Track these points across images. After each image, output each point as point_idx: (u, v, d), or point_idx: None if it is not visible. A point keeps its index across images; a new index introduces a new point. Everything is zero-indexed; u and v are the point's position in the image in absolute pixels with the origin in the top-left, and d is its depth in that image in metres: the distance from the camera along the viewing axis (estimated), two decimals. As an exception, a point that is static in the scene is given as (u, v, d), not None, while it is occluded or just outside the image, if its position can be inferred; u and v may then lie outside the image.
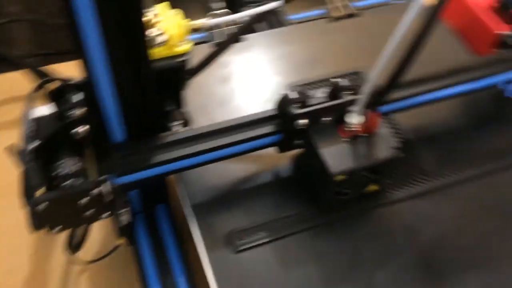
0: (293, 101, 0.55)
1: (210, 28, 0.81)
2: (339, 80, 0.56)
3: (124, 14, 0.41)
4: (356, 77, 0.58)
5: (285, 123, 0.56)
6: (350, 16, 0.85)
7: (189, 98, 0.57)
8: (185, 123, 0.56)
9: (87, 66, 0.44)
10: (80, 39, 0.41)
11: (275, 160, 0.64)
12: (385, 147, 0.55)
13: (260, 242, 0.56)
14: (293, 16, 0.90)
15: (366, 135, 0.56)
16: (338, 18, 0.82)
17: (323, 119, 0.56)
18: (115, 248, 0.65)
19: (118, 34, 0.42)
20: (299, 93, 0.55)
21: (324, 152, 0.54)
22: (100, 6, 0.39)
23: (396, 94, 0.59)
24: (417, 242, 0.57)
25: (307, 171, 0.61)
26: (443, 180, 0.63)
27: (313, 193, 0.60)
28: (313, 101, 0.56)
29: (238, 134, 0.56)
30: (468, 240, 0.58)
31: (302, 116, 0.54)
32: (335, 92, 0.57)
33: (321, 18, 0.86)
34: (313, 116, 0.55)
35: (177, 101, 0.56)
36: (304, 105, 0.55)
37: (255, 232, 0.57)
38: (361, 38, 0.80)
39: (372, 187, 0.59)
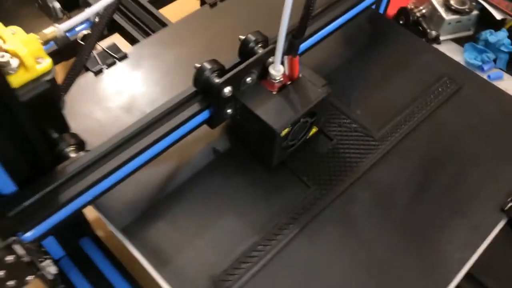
0: (211, 70, 0.50)
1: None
2: (248, 36, 0.53)
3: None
4: (259, 33, 0.55)
5: (210, 97, 0.52)
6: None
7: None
8: (81, 145, 0.48)
9: None
10: None
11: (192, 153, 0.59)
12: (315, 88, 0.54)
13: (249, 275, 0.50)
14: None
15: (291, 83, 0.54)
16: (214, 4, 0.73)
17: (247, 80, 0.53)
18: None
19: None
20: (213, 62, 0.51)
21: (261, 113, 0.52)
22: None
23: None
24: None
25: (245, 140, 0.58)
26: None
27: (260, 157, 0.57)
28: (229, 66, 0.52)
29: (164, 126, 0.51)
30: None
31: (226, 83, 0.51)
32: (247, 50, 0.54)
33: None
34: (236, 80, 0.52)
35: (60, 125, 0.46)
36: (223, 73, 0.51)
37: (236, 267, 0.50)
38: (249, 15, 0.73)
39: (312, 131, 0.58)
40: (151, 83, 0.64)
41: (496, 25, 0.94)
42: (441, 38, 0.95)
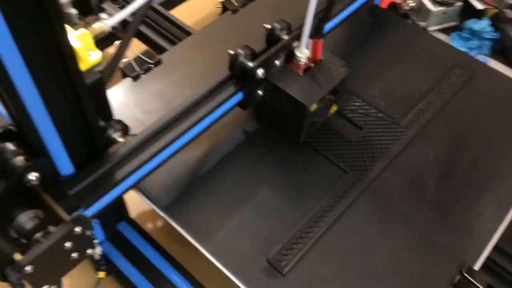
0: (245, 55, 0.55)
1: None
2: (274, 24, 0.58)
3: (51, 38, 0.36)
4: (283, 20, 0.60)
5: (244, 80, 0.56)
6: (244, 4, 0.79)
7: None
8: (126, 131, 0.52)
9: (19, 108, 0.38)
10: (6, 80, 0.36)
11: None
12: (337, 68, 0.60)
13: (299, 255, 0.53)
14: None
15: (315, 65, 0.60)
16: (235, 10, 0.77)
17: (276, 63, 0.58)
18: (99, 281, 0.60)
19: (48, 59, 0.38)
20: (246, 48, 0.56)
21: (292, 91, 0.57)
22: (18, 39, 0.34)
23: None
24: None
25: (273, 120, 0.63)
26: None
27: (288, 135, 0.62)
28: (259, 51, 0.57)
29: (203, 108, 0.55)
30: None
31: (258, 66, 0.56)
32: (273, 36, 0.59)
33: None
34: (267, 63, 0.57)
35: (106, 113, 0.50)
36: (254, 58, 0.56)
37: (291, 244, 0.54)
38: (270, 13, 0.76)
39: (333, 109, 0.63)
40: (186, 85, 0.68)
41: (478, 15, 1.02)
42: (429, 29, 1.03)
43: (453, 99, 0.70)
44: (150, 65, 0.68)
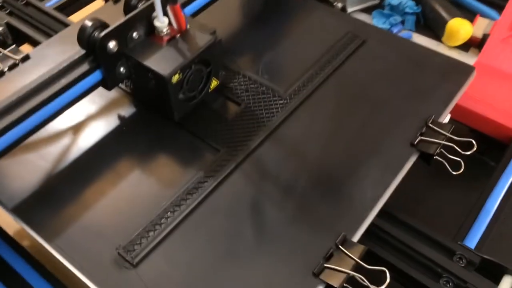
0: (93, 27, 0.51)
1: None
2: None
3: None
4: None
5: (97, 55, 0.52)
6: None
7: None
8: None
9: None
10: None
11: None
12: (202, 36, 0.55)
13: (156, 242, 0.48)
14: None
15: (180, 35, 0.55)
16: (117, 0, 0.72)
17: (133, 35, 0.53)
18: None
19: None
20: (94, 19, 0.52)
21: (149, 63, 0.52)
22: None
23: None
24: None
25: (146, 100, 0.58)
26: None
27: (163, 113, 0.57)
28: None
29: (51, 88, 0.50)
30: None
31: (108, 37, 0.51)
32: (130, 7, 0.54)
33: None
34: (121, 34, 0.52)
35: None
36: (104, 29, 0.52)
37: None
38: None
39: (214, 83, 0.58)
40: None
41: (399, -10, 0.98)
42: (350, 9, 0.99)
43: (343, 65, 0.65)
44: (15, 61, 0.63)
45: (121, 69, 0.54)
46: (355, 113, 0.60)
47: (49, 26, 0.79)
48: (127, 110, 0.60)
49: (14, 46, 0.67)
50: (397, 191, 0.53)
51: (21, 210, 0.51)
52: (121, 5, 0.68)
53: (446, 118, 0.61)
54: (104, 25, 0.52)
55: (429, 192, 0.71)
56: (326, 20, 0.72)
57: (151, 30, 0.55)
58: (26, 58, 0.64)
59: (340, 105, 0.61)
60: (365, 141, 0.57)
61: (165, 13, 0.54)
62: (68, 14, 0.87)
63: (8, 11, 0.80)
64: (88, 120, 0.59)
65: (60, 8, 0.86)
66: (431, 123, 0.57)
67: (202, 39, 0.55)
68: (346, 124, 0.58)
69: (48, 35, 0.77)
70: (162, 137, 0.57)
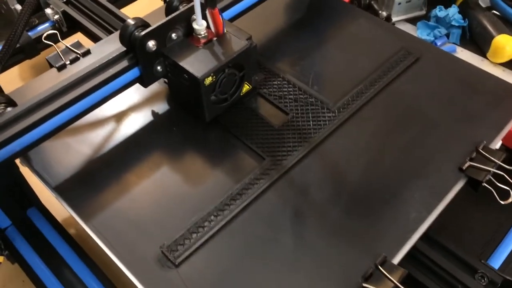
0: (135, 25, 0.53)
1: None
2: (170, -5, 0.56)
3: None
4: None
5: (136, 53, 0.54)
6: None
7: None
8: (11, 104, 0.51)
9: None
10: None
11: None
12: (238, 41, 0.56)
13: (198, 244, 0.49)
14: None
15: (217, 38, 0.57)
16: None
17: (173, 36, 0.56)
18: None
19: None
20: (137, 19, 0.54)
21: (184, 63, 0.54)
22: None
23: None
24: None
25: (182, 99, 0.60)
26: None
27: (194, 113, 0.59)
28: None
29: (91, 81, 0.53)
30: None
31: (149, 36, 0.53)
32: (171, 9, 0.57)
33: None
34: (160, 34, 0.54)
35: None
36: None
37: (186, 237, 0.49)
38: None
39: (245, 87, 0.60)
40: None
41: (448, 2, 0.96)
42: (395, 19, 0.98)
43: (394, 82, 0.63)
44: (77, 56, 0.67)
45: (158, 67, 0.57)
46: (404, 132, 0.58)
47: (102, 17, 0.83)
48: (178, 110, 0.62)
49: (76, 41, 0.70)
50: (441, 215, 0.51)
51: (72, 198, 0.54)
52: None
53: (497, 144, 0.58)
54: (146, 25, 0.54)
55: (460, 208, 0.69)
56: (379, 33, 0.71)
57: (189, 32, 0.57)
58: (87, 52, 0.67)
59: (389, 123, 0.60)
60: (412, 161, 0.55)
61: (204, 17, 0.55)
62: (120, 7, 0.90)
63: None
64: (135, 115, 0.62)
65: (112, 0, 0.89)
66: (481, 149, 0.55)
67: (237, 44, 0.56)
68: (394, 142, 0.57)
69: (100, 25, 0.80)
70: (208, 140, 0.59)
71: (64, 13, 0.80)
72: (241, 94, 0.60)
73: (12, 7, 0.86)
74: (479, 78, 0.64)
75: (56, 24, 0.80)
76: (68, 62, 0.67)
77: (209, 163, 0.57)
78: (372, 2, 0.99)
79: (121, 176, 0.56)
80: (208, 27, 0.56)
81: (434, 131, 0.58)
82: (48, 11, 0.80)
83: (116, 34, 0.72)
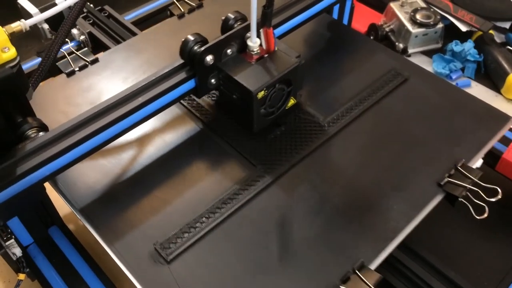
0: (195, 41, 0.57)
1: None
2: (228, 14, 0.60)
3: None
4: (237, 12, 0.62)
5: (194, 66, 0.57)
6: (191, 10, 0.81)
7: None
8: (43, 128, 0.52)
9: None
10: None
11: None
12: (289, 58, 0.60)
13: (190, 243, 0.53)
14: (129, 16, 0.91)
15: (268, 55, 0.60)
16: (181, 16, 0.79)
17: (228, 51, 0.59)
18: (18, 283, 0.60)
19: None
20: (196, 34, 0.58)
21: (239, 77, 0.57)
22: None
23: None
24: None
25: (231, 110, 0.63)
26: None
27: (243, 124, 0.62)
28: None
29: (151, 91, 0.56)
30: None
31: (207, 52, 0.57)
32: (227, 27, 0.60)
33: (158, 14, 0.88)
34: (217, 50, 0.58)
35: (24, 110, 0.51)
36: (205, 45, 0.57)
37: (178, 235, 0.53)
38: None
39: (291, 102, 0.63)
40: (120, 81, 0.69)
41: (464, 37, 1.02)
42: (411, 51, 1.03)
43: (382, 100, 0.68)
44: (86, 63, 0.70)
45: (212, 80, 0.60)
46: (388, 147, 0.62)
47: (125, 39, 0.86)
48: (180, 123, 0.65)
49: (86, 49, 0.74)
50: (438, 237, 0.55)
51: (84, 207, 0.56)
52: (184, 20, 0.76)
53: (477, 163, 0.62)
54: (204, 40, 0.58)
55: (472, 243, 0.71)
56: (371, 54, 0.75)
57: (243, 48, 0.61)
58: (95, 61, 0.71)
59: (375, 138, 0.64)
60: (394, 175, 0.59)
61: (258, 35, 0.59)
62: (142, 29, 0.94)
63: (91, 21, 0.86)
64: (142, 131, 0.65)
65: (136, 23, 0.92)
66: (460, 166, 0.59)
67: (288, 61, 0.60)
68: (378, 156, 0.61)
69: (112, 38, 0.83)
70: (203, 148, 0.63)
71: (90, 34, 0.82)
72: (286, 108, 0.63)
73: (40, 26, 0.86)
74: (462, 100, 0.68)
75: (82, 44, 0.82)
76: (77, 69, 0.70)
77: (203, 169, 0.60)
78: (390, 33, 1.04)
79: (121, 179, 0.59)
80: (260, 44, 0.60)
81: (417, 147, 0.62)
82: (74, 31, 0.82)
83: (123, 44, 0.76)
